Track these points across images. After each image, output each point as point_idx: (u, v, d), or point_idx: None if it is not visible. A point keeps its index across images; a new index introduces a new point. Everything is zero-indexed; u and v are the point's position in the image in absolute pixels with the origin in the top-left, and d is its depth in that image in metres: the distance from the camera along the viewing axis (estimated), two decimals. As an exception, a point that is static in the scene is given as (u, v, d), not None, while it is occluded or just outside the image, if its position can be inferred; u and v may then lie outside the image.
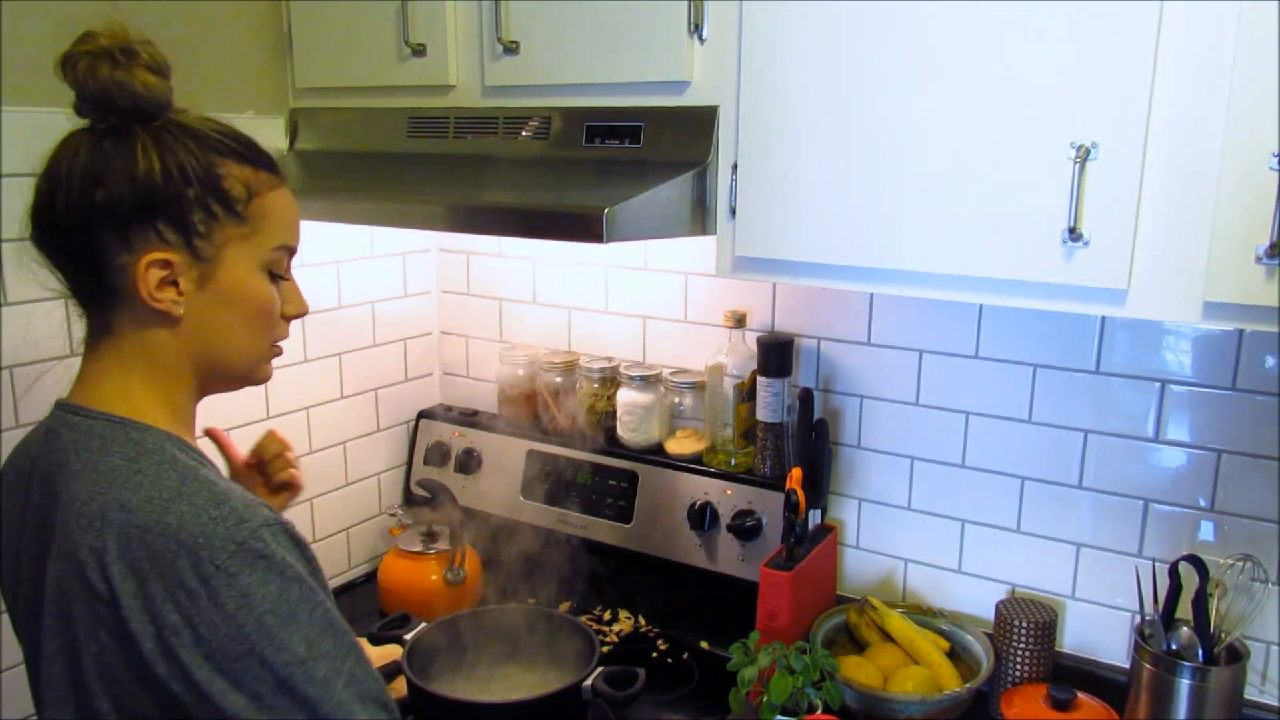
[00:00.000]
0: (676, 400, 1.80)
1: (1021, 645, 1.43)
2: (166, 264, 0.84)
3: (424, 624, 1.51)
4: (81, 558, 0.77)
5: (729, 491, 1.66)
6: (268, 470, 1.19)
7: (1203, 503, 1.39)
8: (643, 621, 1.78)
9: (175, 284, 0.85)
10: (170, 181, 0.83)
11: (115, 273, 0.84)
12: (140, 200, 0.82)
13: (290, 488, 1.19)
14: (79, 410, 0.86)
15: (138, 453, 0.82)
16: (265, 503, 0.82)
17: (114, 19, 0.85)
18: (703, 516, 1.66)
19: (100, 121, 0.84)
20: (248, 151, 0.89)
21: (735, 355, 1.66)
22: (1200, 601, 1.28)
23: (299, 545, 0.82)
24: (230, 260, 0.87)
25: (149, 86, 0.84)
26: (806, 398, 1.58)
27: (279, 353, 0.96)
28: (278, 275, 0.92)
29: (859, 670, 1.43)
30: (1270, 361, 1.32)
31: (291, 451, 1.20)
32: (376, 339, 1.98)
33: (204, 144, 0.86)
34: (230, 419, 1.75)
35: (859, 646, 1.55)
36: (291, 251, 0.93)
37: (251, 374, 0.94)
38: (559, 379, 1.88)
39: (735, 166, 1.30)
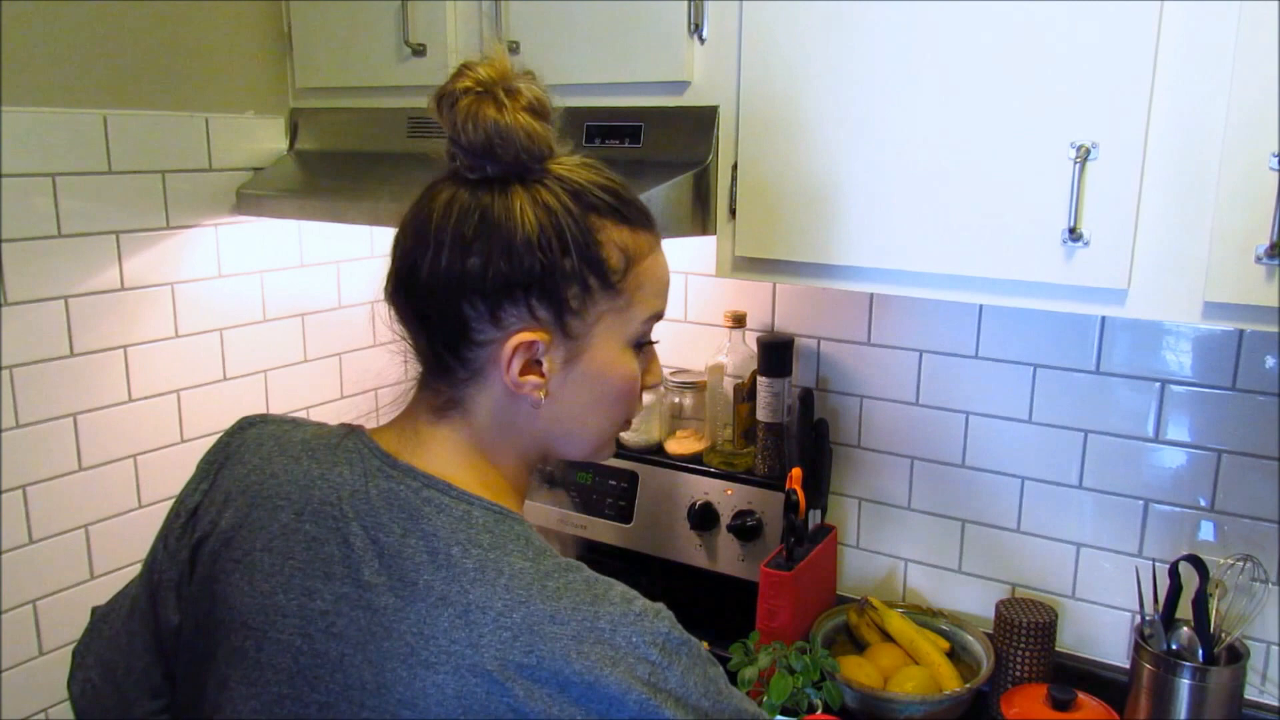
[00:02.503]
0: (676, 400, 1.80)
1: (1021, 645, 1.43)
2: (533, 345, 0.74)
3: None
4: (504, 676, 0.67)
5: (729, 491, 1.66)
6: None
7: (1203, 503, 1.39)
8: (643, 621, 1.77)
9: (539, 364, 0.75)
10: (548, 251, 0.73)
11: (476, 348, 0.75)
12: (515, 272, 0.72)
13: None
14: (446, 489, 0.74)
15: (535, 553, 0.72)
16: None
17: (495, 45, 0.76)
18: (703, 516, 1.66)
19: (472, 171, 0.74)
20: (626, 209, 0.78)
21: (735, 355, 1.66)
22: (1200, 601, 1.28)
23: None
24: (600, 338, 0.77)
25: (532, 135, 0.73)
26: (806, 398, 1.58)
27: (628, 427, 0.86)
28: (642, 344, 0.82)
29: (859, 670, 1.43)
30: (1270, 361, 1.32)
31: None
32: (377, 339, 1.98)
33: (583, 202, 0.75)
34: (228, 419, 1.75)
35: (859, 646, 1.55)
36: (660, 318, 0.83)
37: (597, 453, 0.84)
38: (559, 379, 1.88)
39: (735, 166, 1.30)
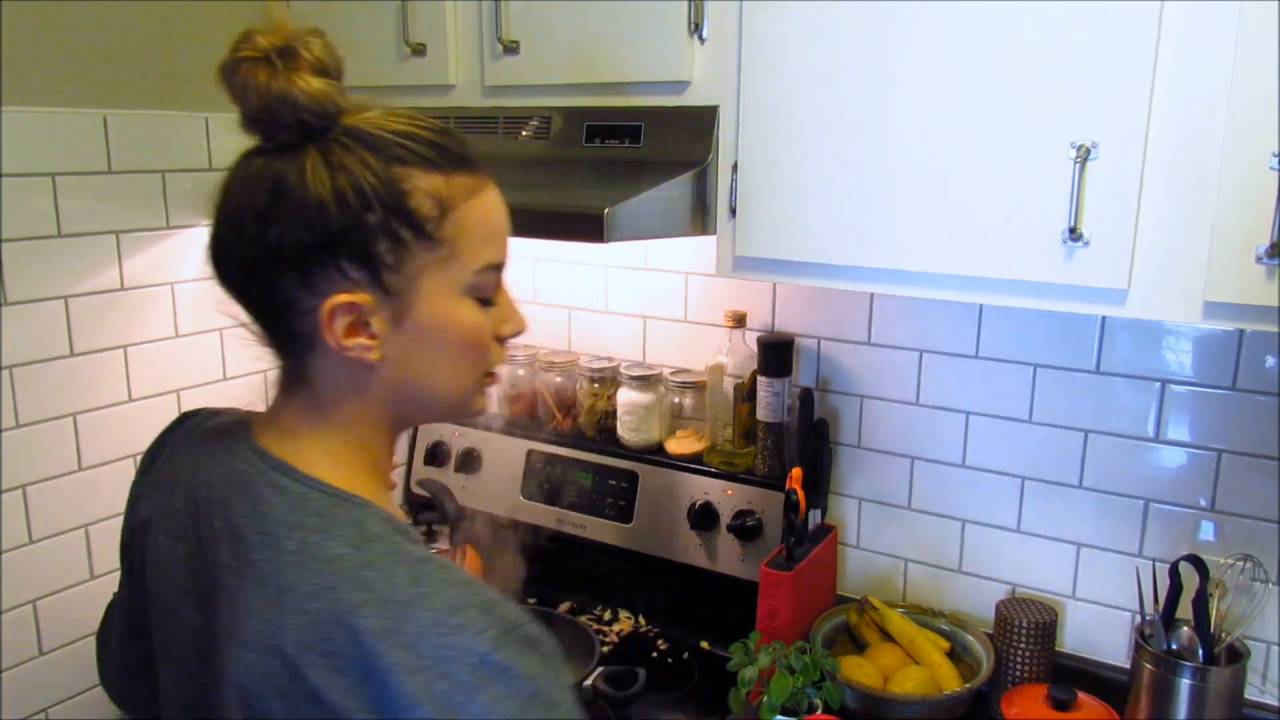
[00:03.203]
0: (676, 400, 1.80)
1: (1021, 645, 1.43)
2: (352, 307, 0.72)
3: (424, 624, 1.51)
4: (303, 660, 0.66)
5: (729, 491, 1.66)
6: None
7: (1203, 503, 1.39)
8: (643, 621, 1.78)
9: (367, 325, 0.73)
10: (346, 210, 0.70)
11: (301, 317, 0.73)
12: (316, 237, 0.70)
13: None
14: (288, 471, 0.74)
15: (362, 539, 0.70)
16: (503, 599, 0.71)
17: (273, 12, 0.73)
18: (703, 516, 1.66)
19: (268, 140, 0.73)
20: (437, 154, 0.74)
21: (735, 355, 1.66)
22: (1200, 601, 1.28)
23: (537, 647, 0.70)
24: (427, 291, 0.74)
25: (313, 94, 0.71)
26: (806, 398, 1.58)
27: (494, 381, 0.83)
28: (486, 298, 0.78)
29: (859, 670, 1.43)
30: (1270, 361, 1.32)
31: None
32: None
33: (384, 154, 0.72)
34: (230, 419, 1.75)
35: (859, 646, 1.55)
36: (500, 268, 0.79)
37: (461, 409, 0.81)
38: (559, 379, 1.88)
39: (735, 166, 1.30)
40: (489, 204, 0.77)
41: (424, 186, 0.73)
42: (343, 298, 0.71)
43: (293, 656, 0.67)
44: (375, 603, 0.67)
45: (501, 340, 0.81)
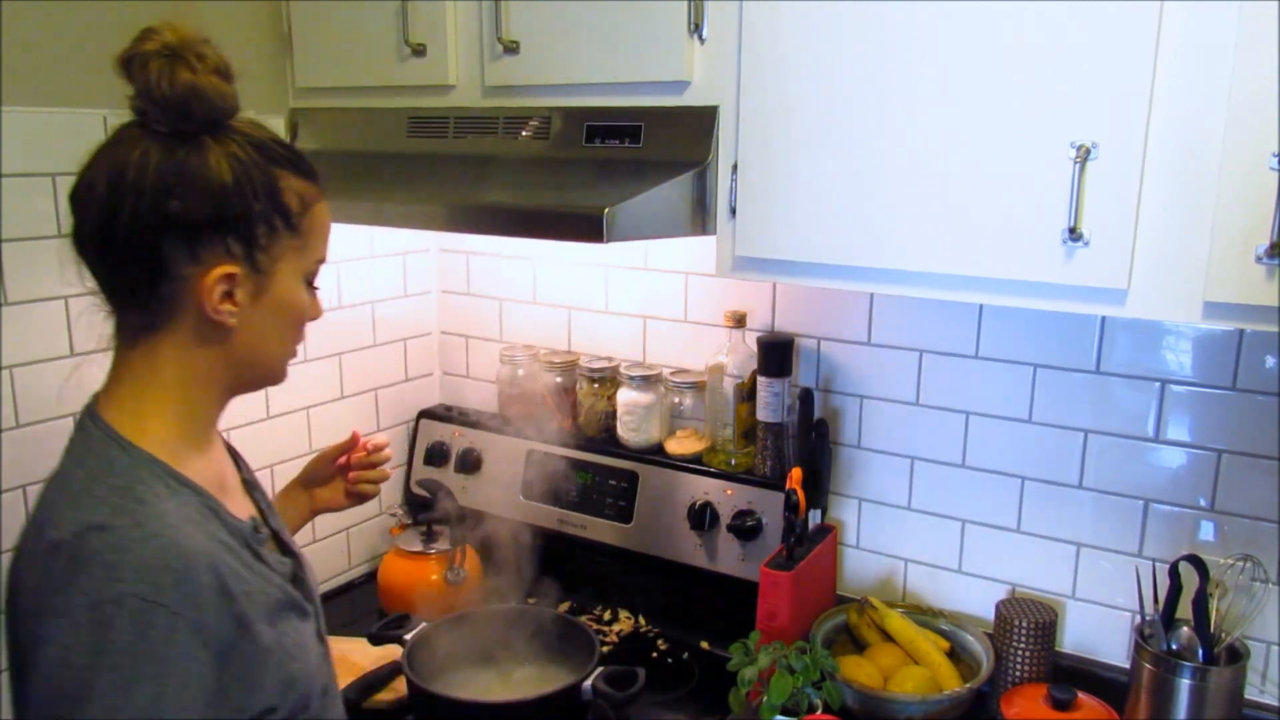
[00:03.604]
0: (676, 400, 1.80)
1: (1021, 645, 1.43)
2: (231, 277, 0.84)
3: (424, 624, 1.51)
4: (27, 563, 0.80)
5: (729, 491, 1.66)
6: (349, 474, 1.28)
7: (1203, 503, 1.39)
8: (643, 621, 1.78)
9: (232, 296, 0.85)
10: (241, 195, 0.83)
11: (176, 282, 0.84)
12: (215, 213, 0.82)
13: (361, 498, 1.29)
14: (94, 416, 0.87)
15: (103, 472, 0.82)
16: (185, 571, 0.77)
17: (170, 17, 0.84)
18: (703, 516, 1.66)
19: (163, 125, 0.83)
20: (299, 161, 0.89)
21: (735, 355, 1.66)
22: (1200, 601, 1.28)
23: (144, 636, 0.74)
24: (282, 273, 0.88)
25: (223, 94, 0.84)
26: (806, 398, 1.58)
27: (294, 356, 0.97)
28: (311, 285, 0.94)
29: (859, 670, 1.43)
30: (1270, 361, 1.32)
31: (380, 466, 1.30)
32: (377, 339, 1.98)
33: (265, 154, 0.86)
34: (230, 419, 1.74)
35: (859, 646, 1.55)
36: (324, 262, 0.95)
37: (277, 378, 0.96)
38: (559, 379, 1.88)
39: (735, 166, 1.30)
40: (327, 210, 0.93)
41: (293, 186, 0.88)
42: (227, 268, 0.84)
43: (24, 560, 0.81)
44: (72, 521, 0.78)
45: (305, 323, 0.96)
